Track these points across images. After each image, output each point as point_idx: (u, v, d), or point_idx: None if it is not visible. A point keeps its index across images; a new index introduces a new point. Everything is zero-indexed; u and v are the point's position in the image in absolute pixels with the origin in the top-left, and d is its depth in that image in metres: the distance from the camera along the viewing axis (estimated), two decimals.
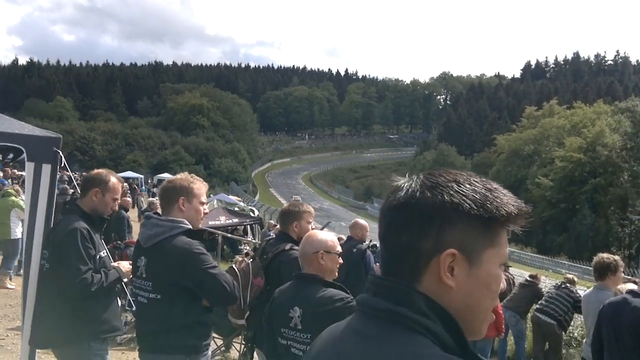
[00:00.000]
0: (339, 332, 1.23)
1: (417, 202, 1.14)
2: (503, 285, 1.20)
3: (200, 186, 3.69)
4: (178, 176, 3.74)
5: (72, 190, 15.56)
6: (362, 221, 8.36)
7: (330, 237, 3.41)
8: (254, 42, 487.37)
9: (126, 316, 7.96)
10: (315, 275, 3.24)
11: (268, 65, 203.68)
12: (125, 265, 4.12)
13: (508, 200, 1.16)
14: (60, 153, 4.31)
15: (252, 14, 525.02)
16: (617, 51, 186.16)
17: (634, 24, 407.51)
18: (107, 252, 4.13)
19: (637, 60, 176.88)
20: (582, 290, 9.07)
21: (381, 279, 1.18)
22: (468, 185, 1.15)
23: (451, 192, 1.14)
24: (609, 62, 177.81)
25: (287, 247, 4.17)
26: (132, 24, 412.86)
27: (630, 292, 4.66)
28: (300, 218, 4.41)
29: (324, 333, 1.31)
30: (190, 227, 3.54)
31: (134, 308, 7.70)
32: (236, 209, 21.87)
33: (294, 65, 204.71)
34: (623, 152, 57.71)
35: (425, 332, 1.08)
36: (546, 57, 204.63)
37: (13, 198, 11.40)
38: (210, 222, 16.77)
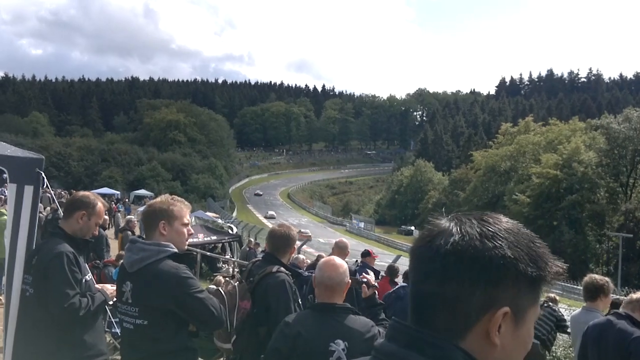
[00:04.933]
0: None
1: (477, 251, 1.04)
2: None
3: (181, 207, 3.59)
4: (158, 199, 3.67)
5: (47, 208, 15.33)
6: (345, 240, 8.34)
7: None
8: (222, 55, 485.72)
9: (105, 337, 7.82)
10: (349, 306, 3.19)
11: (245, 81, 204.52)
12: (108, 287, 4.04)
13: (552, 257, 1.09)
14: (43, 174, 4.23)
15: (217, 27, 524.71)
16: (590, 68, 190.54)
17: (606, 41, 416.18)
18: (91, 276, 4.05)
19: (610, 78, 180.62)
20: (563, 309, 9.10)
21: (417, 331, 1.07)
22: (522, 239, 1.07)
23: (511, 244, 1.05)
24: (582, 79, 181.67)
25: (274, 269, 4.10)
26: (99, 38, 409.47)
27: (615, 313, 4.68)
28: (294, 243, 4.39)
29: None
30: (176, 250, 3.47)
31: (113, 330, 7.59)
32: (214, 226, 21.72)
33: (270, 81, 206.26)
34: (599, 168, 58.52)
35: None
36: (520, 74, 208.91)
37: (5, 217, 11.23)
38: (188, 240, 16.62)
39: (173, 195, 3.75)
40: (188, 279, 3.37)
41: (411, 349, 1.05)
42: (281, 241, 4.32)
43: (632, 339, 4.37)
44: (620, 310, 4.73)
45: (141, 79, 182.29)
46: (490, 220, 1.09)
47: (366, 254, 9.39)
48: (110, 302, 4.01)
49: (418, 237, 1.15)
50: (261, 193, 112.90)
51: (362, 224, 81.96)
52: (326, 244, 41.48)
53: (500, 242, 1.05)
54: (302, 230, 49.22)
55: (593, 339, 4.66)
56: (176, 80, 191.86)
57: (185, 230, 3.60)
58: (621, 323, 4.51)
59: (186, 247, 3.68)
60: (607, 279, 5.47)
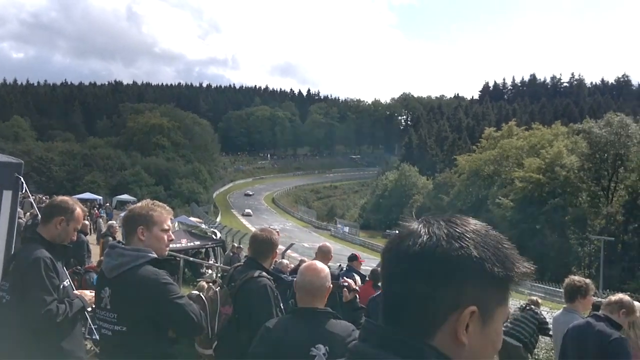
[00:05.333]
0: None
1: (444, 251, 1.06)
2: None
3: (160, 213, 3.54)
4: (138, 204, 3.64)
5: (26, 213, 15.16)
6: (329, 245, 8.32)
7: None
8: (206, 58, 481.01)
9: (86, 344, 7.74)
10: (330, 310, 3.18)
11: (229, 86, 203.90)
12: (87, 294, 4.00)
13: (520, 258, 1.11)
14: (22, 179, 4.18)
15: (201, 31, 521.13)
16: (572, 73, 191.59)
17: (588, 46, 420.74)
18: (70, 281, 4.00)
19: (592, 83, 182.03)
20: (545, 312, 9.14)
21: (390, 330, 1.09)
22: (490, 240, 1.09)
23: (477, 245, 1.07)
24: (565, 84, 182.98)
25: (256, 274, 4.08)
26: (81, 41, 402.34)
27: (594, 315, 4.72)
28: (276, 248, 4.37)
29: None
30: (156, 256, 3.44)
31: (94, 336, 7.52)
32: (197, 231, 21.62)
33: (255, 85, 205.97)
34: (580, 172, 59.09)
35: None
36: (504, 79, 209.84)
37: None
38: (171, 245, 16.54)
39: (154, 201, 3.71)
40: (167, 284, 3.33)
41: (384, 349, 1.06)
42: (263, 246, 4.30)
43: (611, 341, 4.40)
44: (600, 312, 4.77)
45: (124, 82, 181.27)
46: (458, 222, 1.12)
47: (353, 258, 9.38)
48: (89, 309, 3.97)
49: (389, 240, 1.17)
50: (251, 193, 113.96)
51: (346, 229, 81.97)
52: (311, 248, 41.35)
53: (466, 243, 1.07)
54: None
55: (573, 340, 4.70)
56: (160, 84, 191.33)
57: (165, 236, 3.56)
58: (600, 325, 4.55)
59: (167, 252, 3.65)
60: (586, 280, 5.51)
